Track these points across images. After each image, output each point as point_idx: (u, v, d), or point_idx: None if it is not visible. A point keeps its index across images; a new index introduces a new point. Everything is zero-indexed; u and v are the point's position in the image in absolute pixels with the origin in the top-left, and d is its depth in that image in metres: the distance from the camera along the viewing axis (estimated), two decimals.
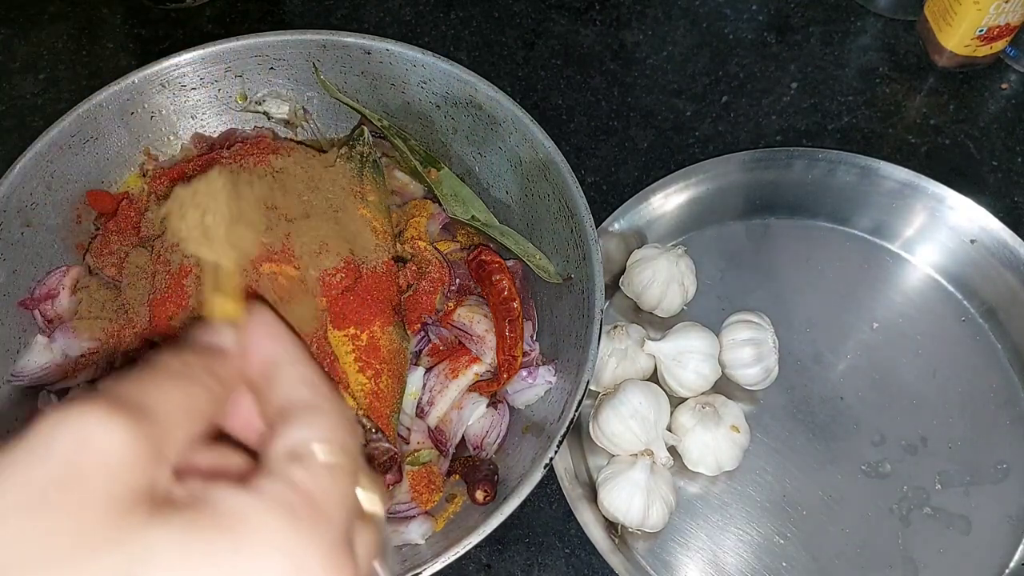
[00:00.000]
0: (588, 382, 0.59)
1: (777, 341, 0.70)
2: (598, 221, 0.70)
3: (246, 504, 0.26)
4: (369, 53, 0.71)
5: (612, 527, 0.66)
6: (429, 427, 0.64)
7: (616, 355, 0.69)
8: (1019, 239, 0.74)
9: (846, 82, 0.87)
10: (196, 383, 0.29)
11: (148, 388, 0.27)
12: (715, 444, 0.66)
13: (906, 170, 0.77)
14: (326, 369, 0.61)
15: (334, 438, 0.29)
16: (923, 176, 0.76)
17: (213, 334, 0.32)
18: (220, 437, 0.32)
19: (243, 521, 0.25)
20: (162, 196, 0.67)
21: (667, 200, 0.77)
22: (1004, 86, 0.87)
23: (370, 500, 0.30)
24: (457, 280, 0.68)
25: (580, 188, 0.65)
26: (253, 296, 0.41)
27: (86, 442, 0.25)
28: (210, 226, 0.35)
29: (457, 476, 0.63)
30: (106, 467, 0.25)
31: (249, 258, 0.37)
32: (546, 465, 0.57)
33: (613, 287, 0.75)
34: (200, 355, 0.30)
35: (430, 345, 0.66)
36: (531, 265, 0.68)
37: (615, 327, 0.69)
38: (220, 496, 0.26)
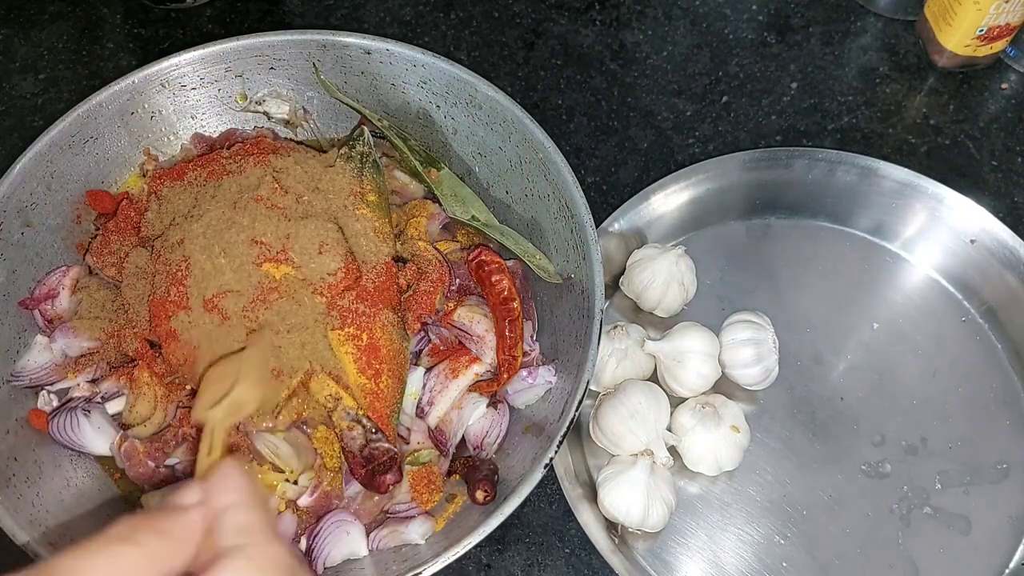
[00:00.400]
0: (588, 382, 0.59)
1: (777, 341, 0.70)
2: (598, 221, 0.70)
3: None
4: (369, 53, 0.71)
5: (612, 527, 0.66)
6: (429, 427, 0.64)
7: (616, 355, 0.69)
8: (1019, 239, 0.74)
9: (846, 82, 0.87)
10: (137, 547, 0.31)
11: (79, 560, 0.29)
12: (715, 444, 0.66)
13: (906, 170, 0.77)
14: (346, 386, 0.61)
15: None
16: (923, 176, 0.77)
17: (179, 495, 0.35)
18: None
19: None
20: (163, 196, 0.68)
21: (667, 200, 0.77)
22: (1004, 86, 0.87)
23: None
24: (457, 280, 0.68)
25: (580, 188, 0.65)
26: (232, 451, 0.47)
27: None
28: (218, 397, 0.41)
29: (457, 476, 0.63)
30: None
31: (244, 418, 0.44)
32: (546, 465, 0.57)
33: (613, 287, 0.75)
34: (155, 517, 0.33)
35: (430, 345, 0.66)
36: (531, 265, 0.68)
37: (615, 327, 0.69)
38: None
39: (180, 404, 0.63)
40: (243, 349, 0.55)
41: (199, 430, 0.45)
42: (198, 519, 0.34)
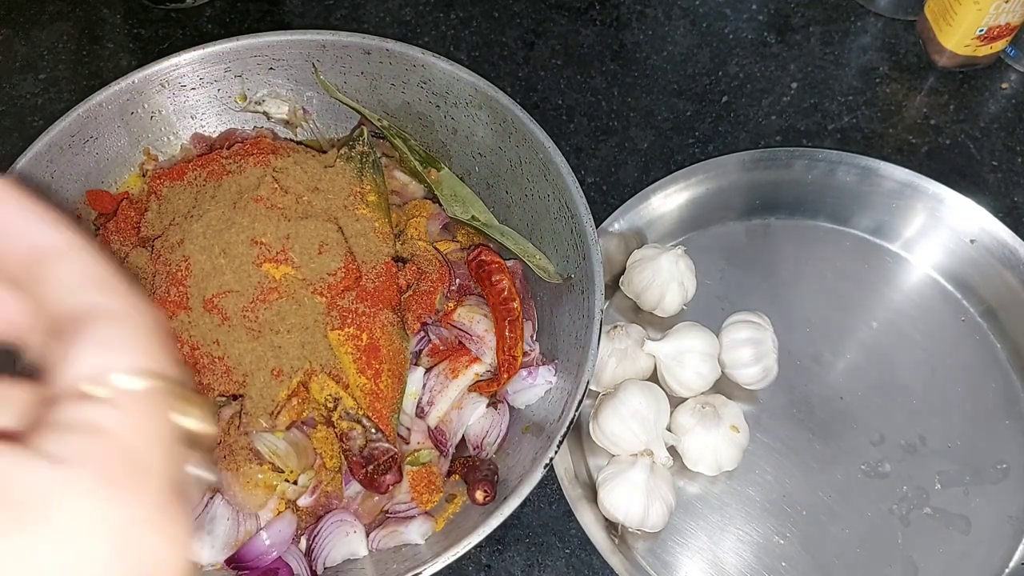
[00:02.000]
0: (588, 382, 0.59)
1: (777, 341, 0.70)
2: (598, 221, 0.70)
3: (44, 479, 0.20)
4: (369, 53, 0.71)
5: (612, 527, 0.66)
6: (429, 427, 0.64)
7: (616, 355, 0.69)
8: (1019, 239, 0.74)
9: (846, 82, 0.87)
10: None
11: None
12: (715, 444, 0.66)
13: (906, 170, 0.77)
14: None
15: (137, 357, 0.23)
16: (923, 176, 0.77)
17: None
18: None
19: (44, 505, 0.20)
20: (162, 196, 0.67)
21: (667, 200, 0.77)
22: (1004, 86, 0.87)
23: (194, 421, 0.24)
24: (457, 280, 0.68)
25: (580, 188, 0.65)
26: None
27: None
28: None
29: (457, 476, 0.63)
30: None
31: None
32: (546, 465, 0.57)
33: (613, 287, 0.75)
34: None
35: (430, 345, 0.66)
36: (531, 265, 0.68)
37: (615, 327, 0.69)
38: (7, 476, 0.20)
39: None
40: None
41: None
42: None
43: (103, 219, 0.70)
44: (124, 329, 0.23)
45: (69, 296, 0.23)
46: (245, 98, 0.75)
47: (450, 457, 0.64)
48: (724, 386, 0.71)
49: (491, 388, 0.64)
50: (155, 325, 0.24)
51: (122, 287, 0.24)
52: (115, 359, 0.23)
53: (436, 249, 0.68)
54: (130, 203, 0.70)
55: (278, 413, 0.60)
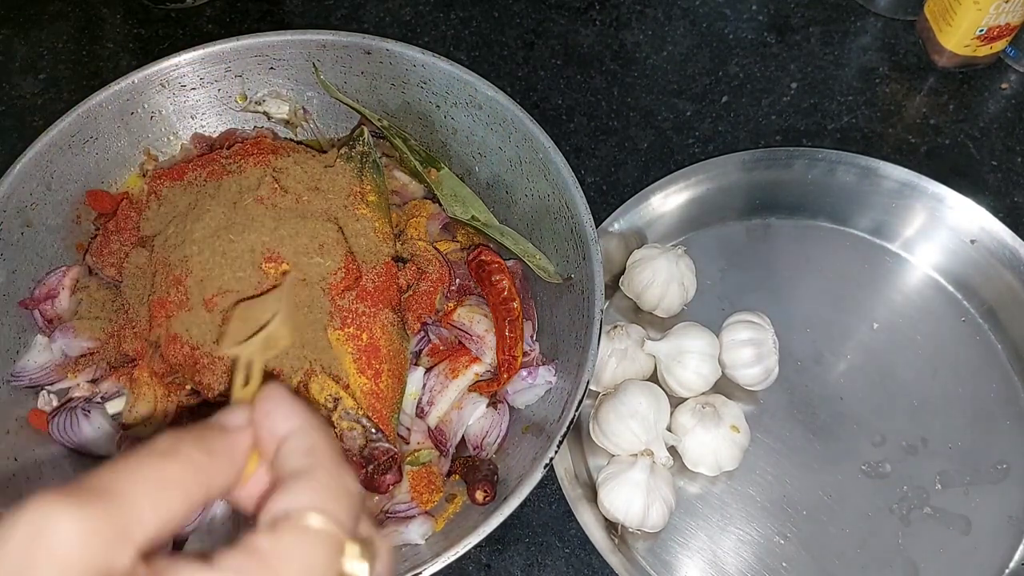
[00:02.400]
0: (588, 382, 0.59)
1: (777, 341, 0.70)
2: (598, 221, 0.70)
3: None
4: (369, 53, 0.71)
5: (612, 527, 0.66)
6: (429, 427, 0.64)
7: (616, 355, 0.69)
8: (1019, 239, 0.74)
9: (846, 82, 0.87)
10: (182, 462, 0.29)
11: (118, 472, 0.28)
12: (715, 444, 0.66)
13: (906, 170, 0.77)
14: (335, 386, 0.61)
15: (318, 505, 0.29)
16: (923, 176, 0.77)
17: (221, 415, 0.33)
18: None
19: None
20: (162, 196, 0.68)
21: (667, 200, 0.77)
22: (1004, 86, 0.87)
23: (358, 567, 0.30)
24: (457, 280, 0.68)
25: (580, 188, 0.65)
26: (270, 377, 0.44)
27: (38, 535, 0.25)
28: (251, 332, 0.39)
29: (457, 476, 0.63)
30: (57, 557, 0.25)
31: (277, 353, 0.41)
32: (546, 465, 0.57)
33: (613, 287, 0.75)
34: (198, 434, 0.31)
35: (430, 345, 0.66)
36: (531, 265, 0.68)
37: (615, 327, 0.69)
38: (175, 574, 0.26)
39: (180, 404, 0.63)
40: (273, 289, 0.53)
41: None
42: (245, 441, 0.32)
43: (103, 219, 0.70)
44: (315, 483, 0.30)
45: (287, 462, 0.31)
46: (245, 98, 0.75)
47: (450, 457, 0.64)
48: (724, 386, 0.71)
49: (491, 388, 0.64)
50: (346, 485, 0.31)
51: (330, 455, 0.31)
52: (300, 503, 0.29)
53: (436, 249, 0.68)
54: (130, 203, 0.70)
55: None
